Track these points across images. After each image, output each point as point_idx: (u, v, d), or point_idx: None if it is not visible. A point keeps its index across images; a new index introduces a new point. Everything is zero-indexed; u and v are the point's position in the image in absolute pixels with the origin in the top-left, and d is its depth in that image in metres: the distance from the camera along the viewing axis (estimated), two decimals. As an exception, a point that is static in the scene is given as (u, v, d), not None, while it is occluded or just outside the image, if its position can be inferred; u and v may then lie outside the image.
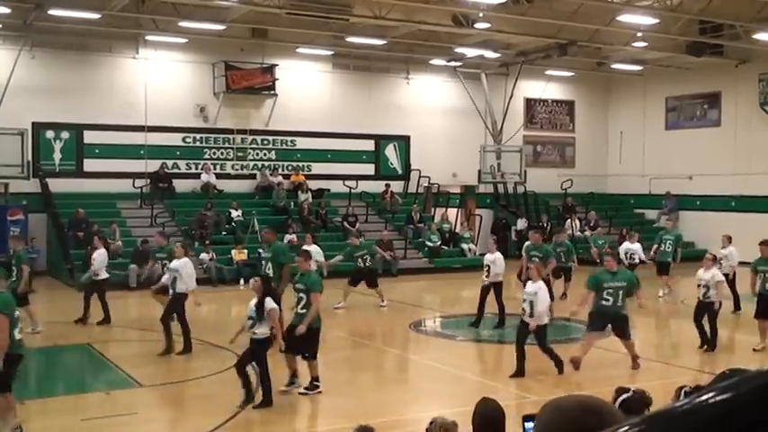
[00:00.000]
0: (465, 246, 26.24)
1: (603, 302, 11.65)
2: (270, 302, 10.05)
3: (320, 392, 10.55)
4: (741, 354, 13.81)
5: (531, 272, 11.90)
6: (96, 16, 21.87)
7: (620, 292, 11.67)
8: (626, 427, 1.19)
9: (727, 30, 24.35)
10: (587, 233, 27.92)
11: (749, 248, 18.08)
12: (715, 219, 25.89)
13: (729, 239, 17.38)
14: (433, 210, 28.52)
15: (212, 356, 12.76)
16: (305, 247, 17.55)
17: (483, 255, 17.44)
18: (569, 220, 27.90)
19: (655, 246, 20.03)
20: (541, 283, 11.68)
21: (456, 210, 28.86)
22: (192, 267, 13.46)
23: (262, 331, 9.93)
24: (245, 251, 22.39)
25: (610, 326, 11.89)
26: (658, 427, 1.17)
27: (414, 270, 24.17)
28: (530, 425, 2.97)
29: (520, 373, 11.39)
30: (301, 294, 10.58)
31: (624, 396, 4.42)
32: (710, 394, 1.08)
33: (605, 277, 11.78)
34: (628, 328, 11.89)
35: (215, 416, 9.60)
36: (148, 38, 24.70)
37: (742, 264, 16.60)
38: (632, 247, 19.69)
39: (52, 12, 21.04)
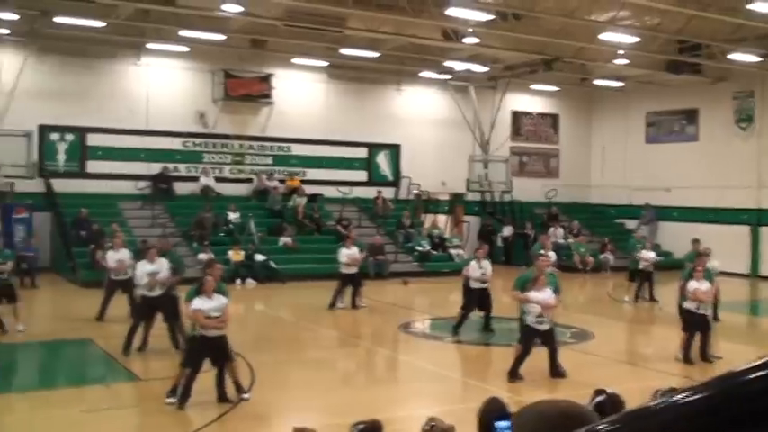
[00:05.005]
0: (453, 251, 27.11)
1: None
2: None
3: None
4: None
5: (540, 281, 11.78)
6: (101, 24, 22.09)
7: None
8: (604, 425, 1.24)
9: (705, 49, 25.30)
10: (570, 241, 28.97)
11: (725, 259, 19.23)
12: (692, 229, 26.79)
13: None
14: (422, 216, 29.40)
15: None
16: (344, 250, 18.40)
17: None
18: (553, 228, 28.89)
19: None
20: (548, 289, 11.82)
21: (445, 216, 29.78)
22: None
23: None
24: (242, 252, 23.26)
25: None
26: (634, 424, 1.21)
27: (404, 273, 24.66)
28: (503, 424, 2.66)
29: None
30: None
31: (599, 398, 4.47)
32: (684, 394, 1.11)
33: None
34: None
35: (213, 408, 9.96)
36: (150, 46, 25.20)
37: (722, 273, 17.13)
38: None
39: (58, 19, 21.49)
